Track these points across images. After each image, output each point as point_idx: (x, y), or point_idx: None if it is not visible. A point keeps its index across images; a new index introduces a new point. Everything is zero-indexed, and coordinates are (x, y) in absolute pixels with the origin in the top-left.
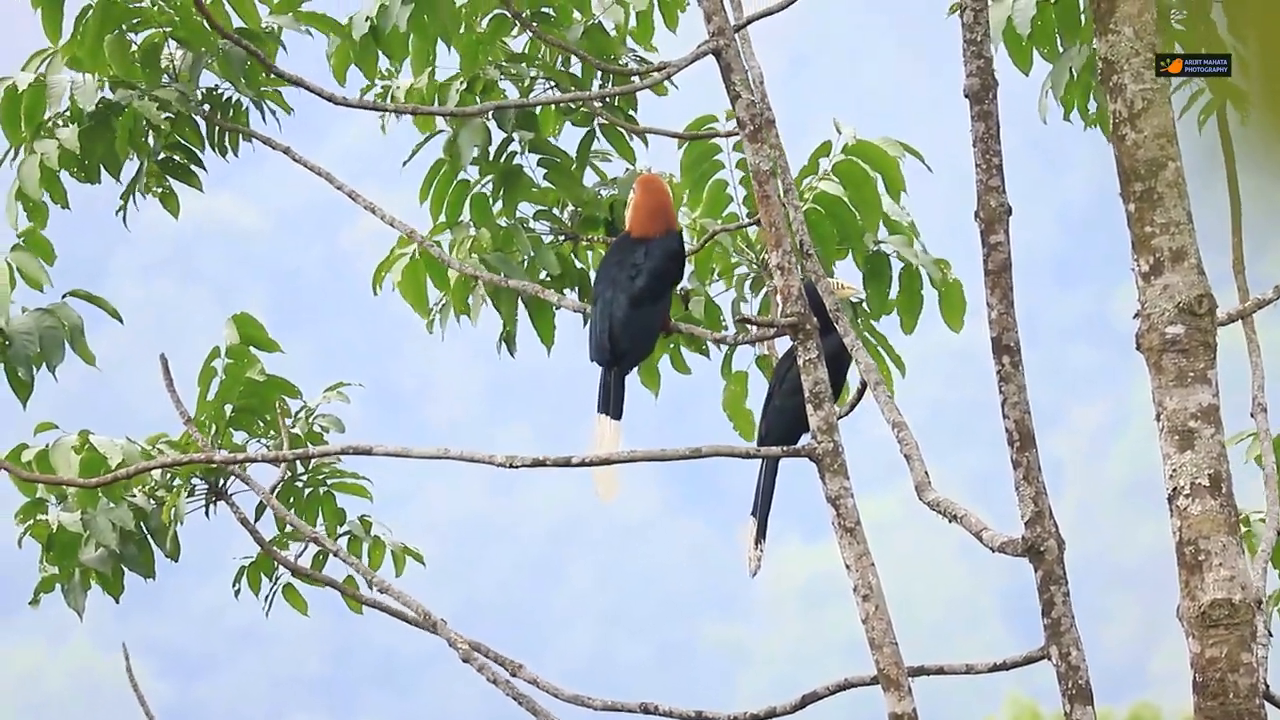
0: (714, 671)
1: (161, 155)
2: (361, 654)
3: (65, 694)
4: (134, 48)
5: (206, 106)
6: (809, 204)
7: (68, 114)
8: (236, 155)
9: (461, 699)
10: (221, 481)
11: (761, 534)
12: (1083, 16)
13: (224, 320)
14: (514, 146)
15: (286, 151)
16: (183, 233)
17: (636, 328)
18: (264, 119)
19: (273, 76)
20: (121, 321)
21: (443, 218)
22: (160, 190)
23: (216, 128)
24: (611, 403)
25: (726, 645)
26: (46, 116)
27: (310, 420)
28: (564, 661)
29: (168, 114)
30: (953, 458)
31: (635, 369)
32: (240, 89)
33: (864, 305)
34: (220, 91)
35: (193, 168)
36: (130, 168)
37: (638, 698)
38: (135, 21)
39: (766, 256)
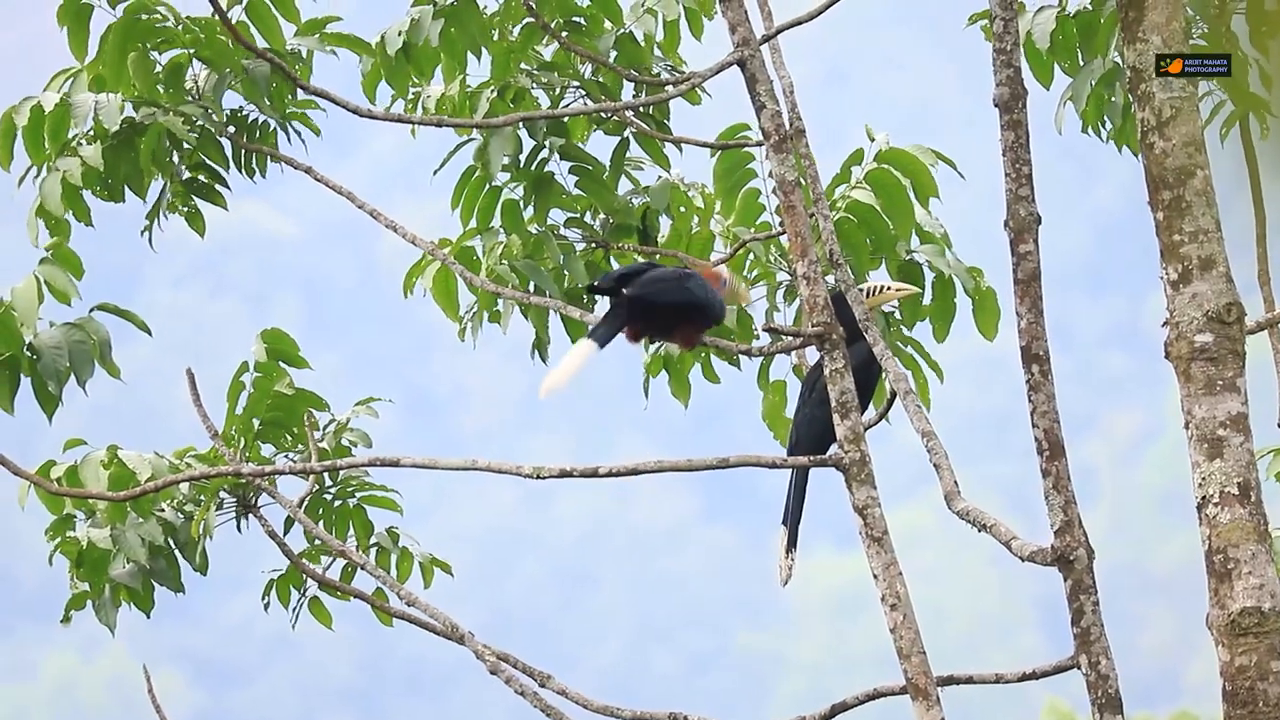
0: (747, 681)
1: (186, 175)
2: (392, 663)
3: (100, 703)
4: (158, 68)
5: (232, 129)
6: (841, 213)
7: (91, 133)
8: (264, 176)
9: (492, 708)
10: (250, 495)
11: (792, 543)
12: (1113, 33)
13: (255, 331)
14: (545, 153)
15: (309, 171)
16: (215, 243)
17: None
18: (289, 139)
19: (298, 97)
20: (150, 334)
21: (473, 223)
22: (186, 209)
23: (243, 150)
24: (601, 331)
25: (759, 654)
26: (71, 135)
27: (339, 435)
28: (596, 671)
29: (193, 131)
30: (986, 465)
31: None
32: (265, 110)
33: (896, 314)
34: (245, 114)
35: (217, 187)
36: (155, 187)
37: (670, 707)
38: (160, 41)
39: (793, 266)
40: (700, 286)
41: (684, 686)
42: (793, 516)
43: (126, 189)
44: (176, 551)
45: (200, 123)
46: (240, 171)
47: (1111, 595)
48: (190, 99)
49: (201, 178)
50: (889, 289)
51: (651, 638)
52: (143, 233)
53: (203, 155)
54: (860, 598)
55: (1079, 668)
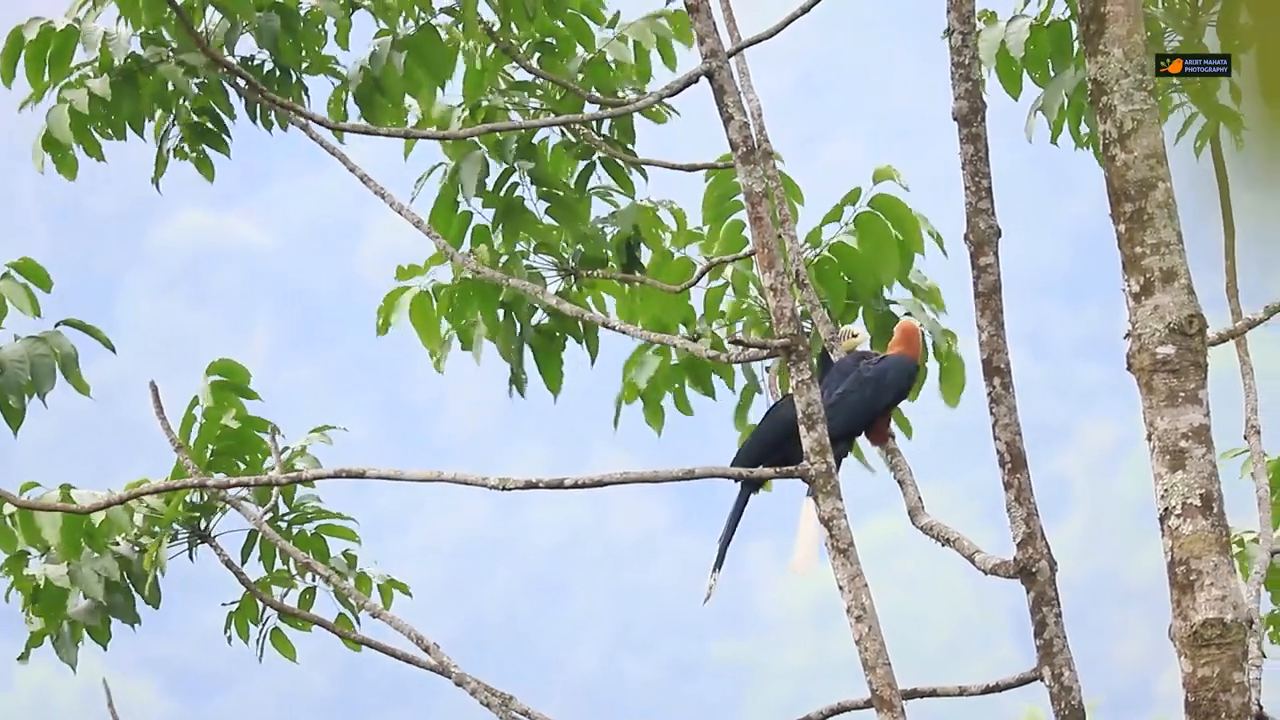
0: (722, 691)
1: (194, 120)
2: (370, 672)
3: (75, 713)
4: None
5: (241, 81)
6: (825, 254)
7: (96, 64)
8: (284, 130)
9: (471, 716)
10: (204, 524)
11: (719, 563)
12: (1076, 42)
13: (236, 341)
14: (515, 178)
15: (305, 129)
16: (194, 252)
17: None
18: (307, 99)
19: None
20: (114, 351)
21: (441, 239)
22: (194, 155)
23: (260, 103)
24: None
25: (735, 664)
26: (74, 64)
27: (292, 461)
28: (571, 681)
29: (196, 80)
30: (969, 476)
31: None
32: (279, 60)
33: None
34: (259, 62)
35: (222, 135)
36: (161, 130)
37: (646, 717)
38: None
39: (760, 277)
40: (881, 376)
41: (660, 696)
42: (724, 535)
43: (129, 127)
44: (130, 585)
45: (202, 77)
46: (255, 121)
47: (1087, 606)
48: (200, 45)
49: (208, 123)
50: (854, 335)
51: (627, 647)
52: (154, 180)
53: (209, 100)
54: (839, 607)
55: (1042, 679)
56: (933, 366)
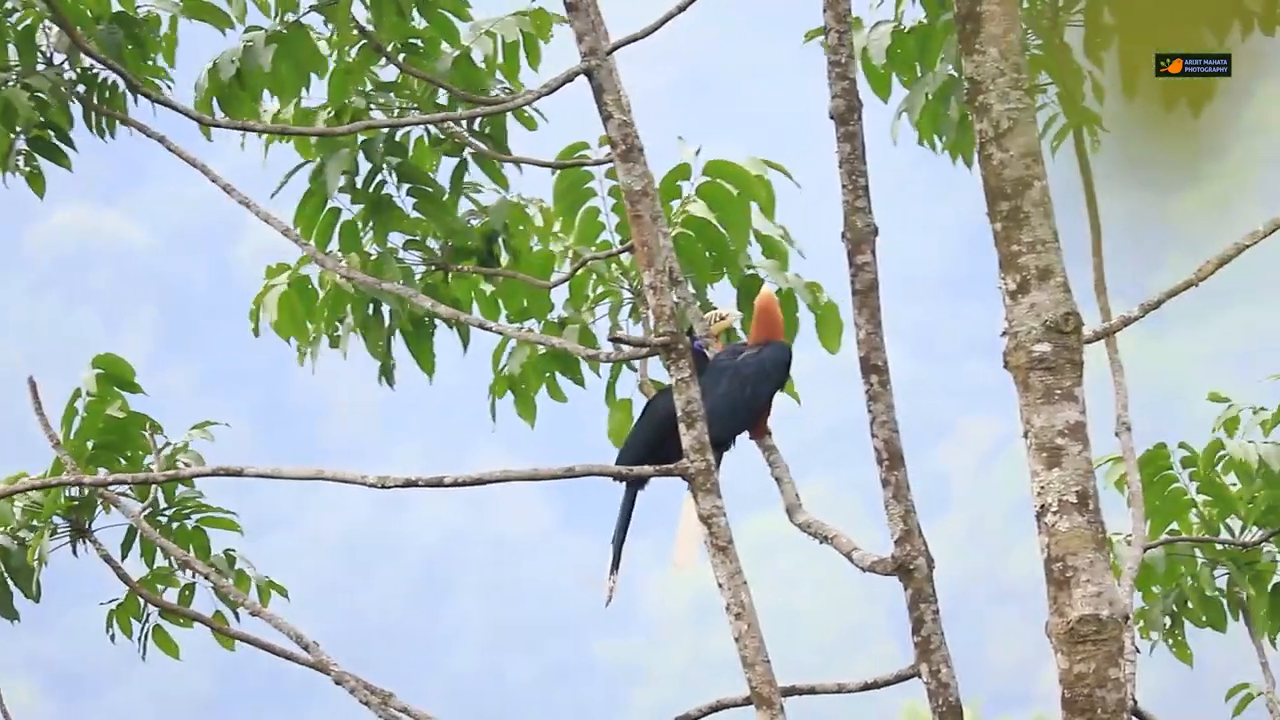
0: (603, 689)
1: (32, 133)
2: (251, 672)
3: None
4: (8, 29)
5: (82, 87)
6: (678, 228)
7: None
8: (114, 137)
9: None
10: (84, 519)
11: (615, 565)
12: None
13: (111, 341)
14: (383, 175)
15: (162, 140)
16: (70, 251)
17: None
18: (135, 101)
19: (150, 64)
20: None
21: (312, 244)
22: (28, 170)
23: (94, 112)
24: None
25: (617, 663)
26: None
27: (174, 458)
28: (453, 679)
29: (39, 95)
30: (854, 469)
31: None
32: (116, 71)
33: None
34: (95, 72)
35: (62, 146)
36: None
37: (525, 716)
38: (9, 6)
39: (641, 276)
40: (760, 370)
41: (540, 695)
42: (617, 536)
43: None
44: (9, 578)
45: (49, 95)
46: (91, 131)
47: (966, 603)
48: (41, 62)
49: (51, 134)
50: (722, 317)
51: (508, 647)
52: None
53: (47, 116)
54: (719, 604)
55: (920, 676)
56: (807, 318)
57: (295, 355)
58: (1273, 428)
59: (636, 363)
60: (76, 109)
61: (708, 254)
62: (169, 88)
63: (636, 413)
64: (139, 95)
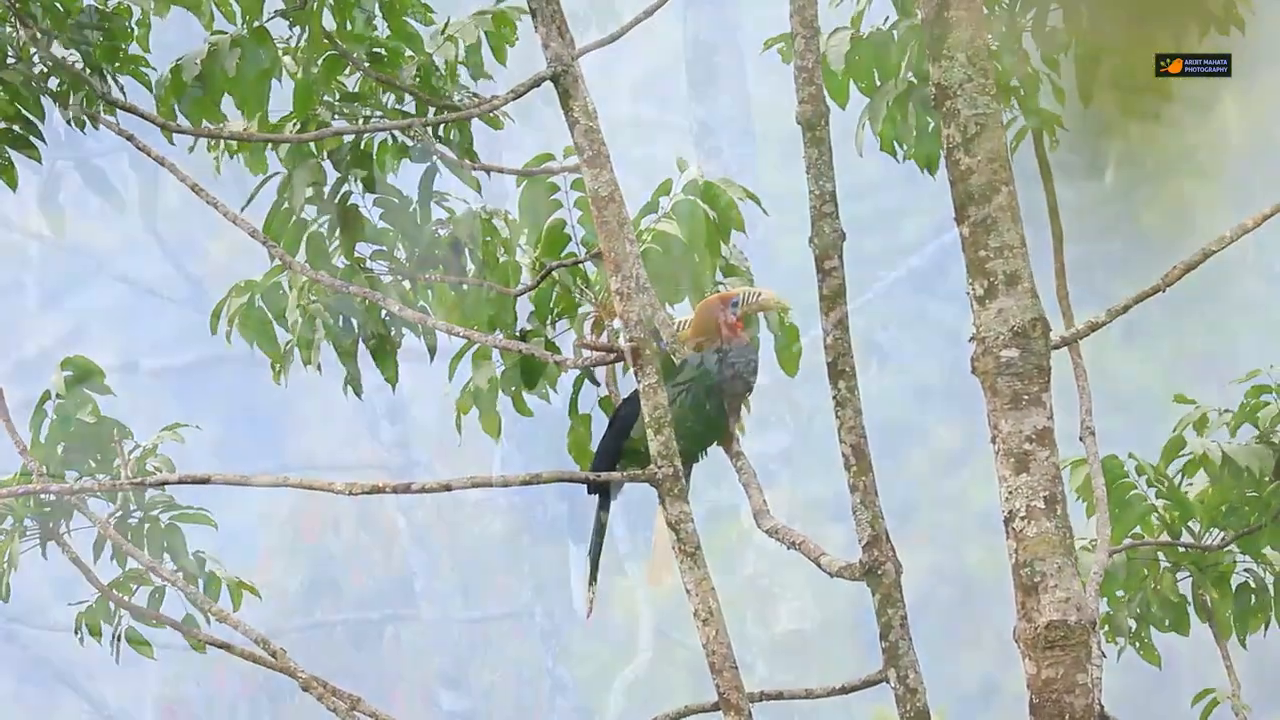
0: (575, 697)
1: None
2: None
3: None
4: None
5: (55, 81)
6: (648, 244)
7: None
8: (96, 128)
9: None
10: (53, 523)
11: (593, 576)
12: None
13: (85, 341)
14: (349, 187)
15: (130, 139)
16: (34, 254)
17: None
18: (119, 89)
19: (128, 53)
20: None
21: (280, 246)
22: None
23: (67, 106)
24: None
25: (585, 670)
26: None
27: (143, 461)
28: (423, 687)
29: (13, 88)
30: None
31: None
32: (90, 62)
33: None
34: (71, 63)
35: (31, 138)
36: None
37: None
38: None
39: (608, 282)
40: (733, 374)
41: (515, 702)
42: (593, 548)
43: None
44: None
45: (19, 88)
46: (69, 124)
47: (935, 608)
48: (10, 59)
49: (16, 128)
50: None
51: (481, 655)
52: None
53: (19, 107)
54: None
55: (888, 681)
56: (768, 339)
57: (266, 363)
58: (1238, 427)
59: (601, 378)
60: (49, 105)
61: (673, 272)
62: (149, 74)
63: (595, 429)
64: (103, 101)
